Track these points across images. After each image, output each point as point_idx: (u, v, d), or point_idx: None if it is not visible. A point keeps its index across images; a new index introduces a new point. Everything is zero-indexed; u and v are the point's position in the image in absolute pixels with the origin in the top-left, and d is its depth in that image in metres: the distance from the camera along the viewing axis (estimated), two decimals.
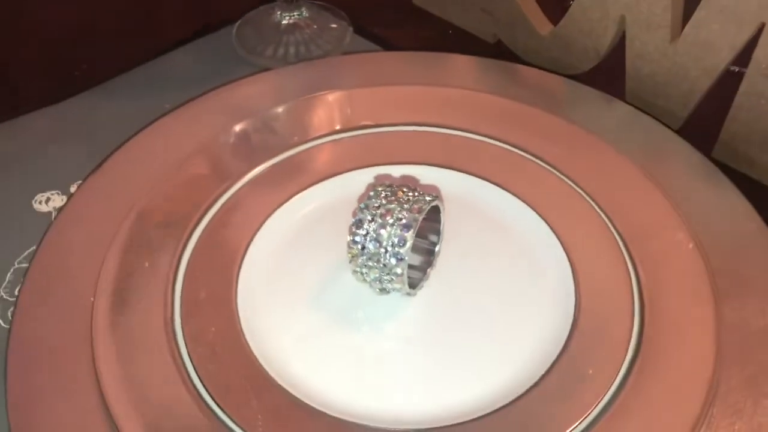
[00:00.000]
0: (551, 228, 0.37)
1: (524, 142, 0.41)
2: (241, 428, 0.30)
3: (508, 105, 0.44)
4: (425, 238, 0.36)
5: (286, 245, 0.38)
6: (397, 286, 0.33)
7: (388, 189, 0.34)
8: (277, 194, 0.39)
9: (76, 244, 0.37)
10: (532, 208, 0.38)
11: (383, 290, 0.34)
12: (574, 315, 0.34)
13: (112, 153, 0.41)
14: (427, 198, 0.34)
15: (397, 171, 0.41)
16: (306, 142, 0.42)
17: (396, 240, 0.32)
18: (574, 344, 0.33)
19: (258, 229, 0.38)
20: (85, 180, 0.40)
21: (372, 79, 0.46)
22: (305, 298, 0.35)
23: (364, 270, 0.33)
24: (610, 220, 0.37)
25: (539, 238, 0.37)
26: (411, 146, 0.42)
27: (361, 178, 0.40)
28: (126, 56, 0.50)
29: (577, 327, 0.33)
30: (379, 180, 0.39)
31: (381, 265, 0.33)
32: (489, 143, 0.42)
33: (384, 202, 0.33)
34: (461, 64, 0.48)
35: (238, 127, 0.43)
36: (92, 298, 0.34)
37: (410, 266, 0.35)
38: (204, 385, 0.31)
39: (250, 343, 0.33)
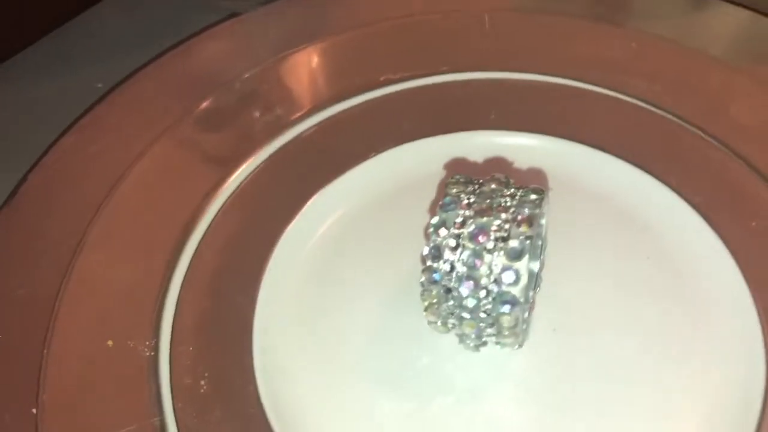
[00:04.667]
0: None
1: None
2: None
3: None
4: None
5: (305, 273, 0.25)
6: (507, 341, 0.21)
7: (469, 185, 0.21)
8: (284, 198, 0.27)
9: None
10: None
11: (482, 345, 0.22)
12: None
13: (21, 181, 0.28)
14: (532, 196, 0.21)
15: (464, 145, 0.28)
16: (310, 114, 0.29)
17: (503, 276, 0.20)
18: None
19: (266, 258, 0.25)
20: None
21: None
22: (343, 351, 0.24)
23: (452, 321, 0.21)
24: None
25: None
26: (476, 106, 0.29)
27: (412, 163, 0.27)
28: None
29: None
30: (450, 171, 0.27)
31: (479, 315, 0.21)
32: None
33: (468, 211, 0.21)
34: None
35: (207, 104, 0.29)
36: None
37: None
38: None
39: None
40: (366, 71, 0.30)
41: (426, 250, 0.21)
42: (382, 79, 0.30)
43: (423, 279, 0.21)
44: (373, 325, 0.24)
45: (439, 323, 0.22)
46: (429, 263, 0.21)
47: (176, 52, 0.32)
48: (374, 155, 0.27)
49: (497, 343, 0.22)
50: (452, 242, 0.20)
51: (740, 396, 0.21)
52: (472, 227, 0.20)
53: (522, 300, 0.20)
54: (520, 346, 0.22)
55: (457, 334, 0.22)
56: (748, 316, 0.23)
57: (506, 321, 0.20)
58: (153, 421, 0.22)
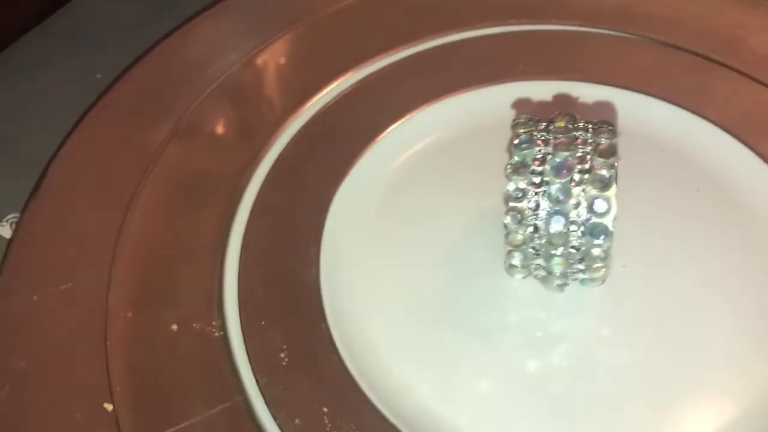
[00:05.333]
0: None
1: None
2: None
3: None
4: None
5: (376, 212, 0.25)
6: (595, 275, 0.21)
7: (538, 124, 0.21)
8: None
9: None
10: None
11: (565, 285, 0.22)
12: None
13: (42, 175, 0.26)
14: (606, 127, 0.21)
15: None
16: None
17: (594, 206, 0.20)
18: None
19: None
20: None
21: None
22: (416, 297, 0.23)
23: (537, 262, 0.21)
24: None
25: None
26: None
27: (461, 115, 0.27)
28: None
29: None
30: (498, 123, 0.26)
31: (569, 251, 0.20)
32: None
33: (545, 148, 0.20)
34: None
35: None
36: None
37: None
38: None
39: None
40: (384, 33, 0.29)
41: (509, 190, 0.20)
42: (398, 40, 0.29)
43: (507, 220, 0.20)
44: (450, 275, 0.23)
45: (521, 266, 0.21)
46: (513, 203, 0.20)
47: (182, 31, 0.30)
48: (411, 114, 0.27)
49: (582, 280, 0.21)
50: (536, 179, 0.20)
51: None
52: (555, 162, 0.20)
53: (612, 230, 0.20)
54: (604, 281, 0.22)
55: (539, 276, 0.22)
56: None
57: (597, 253, 0.20)
58: (238, 399, 0.20)
